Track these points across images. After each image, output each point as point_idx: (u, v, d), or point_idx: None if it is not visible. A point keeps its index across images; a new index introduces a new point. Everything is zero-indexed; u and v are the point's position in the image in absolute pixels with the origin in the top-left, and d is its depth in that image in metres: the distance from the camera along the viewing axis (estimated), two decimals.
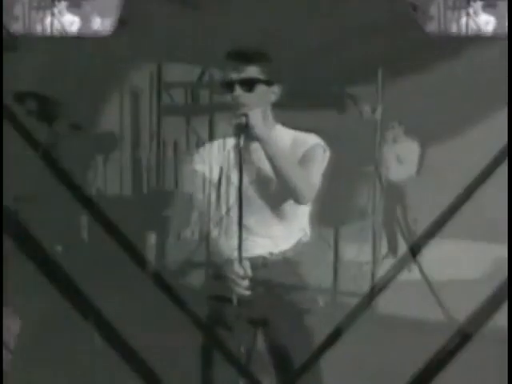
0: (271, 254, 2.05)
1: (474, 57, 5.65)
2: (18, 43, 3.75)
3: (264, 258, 2.05)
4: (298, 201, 1.99)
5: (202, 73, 6.36)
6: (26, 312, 3.61)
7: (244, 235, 1.99)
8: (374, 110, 5.06)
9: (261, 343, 2.12)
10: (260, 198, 2.05)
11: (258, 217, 2.04)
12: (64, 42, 4.59)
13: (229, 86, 2.00)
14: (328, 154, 2.08)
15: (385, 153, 6.43)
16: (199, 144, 6.88)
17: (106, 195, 6.52)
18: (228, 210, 2.09)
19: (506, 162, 1.19)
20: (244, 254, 2.00)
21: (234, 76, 1.99)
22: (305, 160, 2.02)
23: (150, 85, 6.41)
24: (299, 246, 2.09)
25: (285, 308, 2.04)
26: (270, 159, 1.93)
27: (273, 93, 2.06)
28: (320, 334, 2.02)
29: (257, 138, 1.93)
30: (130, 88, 6.89)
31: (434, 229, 1.28)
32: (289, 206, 2.05)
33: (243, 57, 2.00)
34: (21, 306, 3.42)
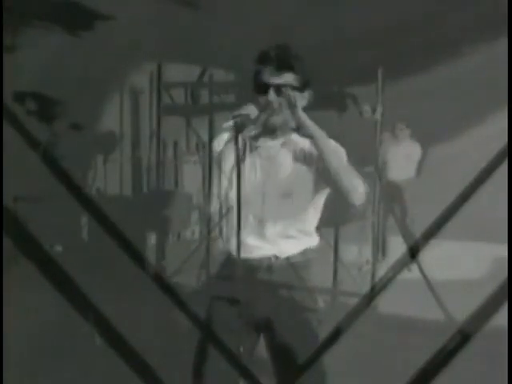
0: (276, 257, 2.04)
1: (474, 57, 5.66)
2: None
3: (269, 259, 2.04)
4: (354, 200, 1.92)
5: (202, 73, 6.37)
6: (26, 312, 3.61)
7: (257, 236, 2.01)
8: (373, 110, 5.06)
9: (261, 344, 2.12)
10: (278, 201, 2.03)
11: (273, 218, 2.03)
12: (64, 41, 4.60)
13: (262, 89, 1.99)
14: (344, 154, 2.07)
15: (387, 153, 6.46)
16: (199, 144, 6.91)
17: (105, 195, 6.52)
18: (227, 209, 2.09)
19: (506, 161, 1.19)
20: (249, 255, 2.00)
21: (270, 80, 1.97)
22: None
23: (150, 85, 6.42)
24: (307, 252, 2.08)
25: (288, 309, 2.04)
26: (325, 156, 1.90)
27: (303, 98, 2.05)
28: (320, 334, 2.02)
29: (310, 137, 1.92)
30: (130, 88, 6.90)
31: (434, 229, 1.28)
32: (302, 210, 2.04)
33: (283, 63, 1.97)
34: (21, 305, 3.42)
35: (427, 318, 4.09)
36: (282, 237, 2.04)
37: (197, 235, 6.92)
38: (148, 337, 3.14)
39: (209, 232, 5.55)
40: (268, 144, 2.06)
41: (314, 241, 2.12)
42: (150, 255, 5.92)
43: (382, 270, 4.95)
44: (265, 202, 2.02)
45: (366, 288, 4.70)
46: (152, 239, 6.26)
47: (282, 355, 2.06)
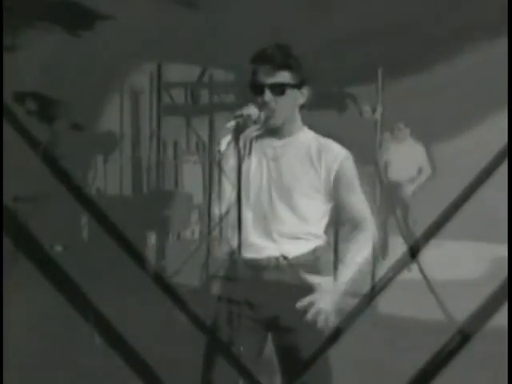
0: (284, 257, 2.03)
1: (474, 57, 5.66)
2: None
3: (277, 259, 2.03)
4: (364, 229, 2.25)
5: (202, 73, 6.37)
6: (26, 311, 3.61)
7: (264, 237, 2.00)
8: (373, 110, 5.06)
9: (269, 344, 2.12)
10: (283, 201, 2.02)
11: (280, 219, 2.03)
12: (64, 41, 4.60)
13: (258, 89, 1.98)
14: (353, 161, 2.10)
15: (389, 153, 6.46)
16: (199, 144, 6.91)
17: (105, 195, 6.52)
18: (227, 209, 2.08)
19: (506, 161, 1.19)
20: (257, 255, 2.00)
21: (265, 80, 1.95)
22: (345, 183, 2.06)
23: (150, 85, 6.41)
24: (315, 252, 2.08)
25: (295, 308, 2.03)
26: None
27: (302, 95, 2.04)
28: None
29: None
30: (130, 88, 6.90)
31: (434, 229, 1.28)
32: (310, 211, 2.04)
33: (277, 62, 1.95)
34: (21, 305, 3.42)
35: (427, 318, 4.09)
36: (289, 238, 2.04)
37: (197, 235, 6.92)
38: (148, 337, 3.13)
39: (209, 232, 5.55)
40: (273, 144, 2.05)
41: (321, 241, 2.11)
42: (150, 255, 5.91)
43: (382, 270, 4.95)
44: (271, 203, 2.02)
45: (366, 288, 4.69)
46: (152, 239, 6.26)
47: (290, 355, 2.06)
